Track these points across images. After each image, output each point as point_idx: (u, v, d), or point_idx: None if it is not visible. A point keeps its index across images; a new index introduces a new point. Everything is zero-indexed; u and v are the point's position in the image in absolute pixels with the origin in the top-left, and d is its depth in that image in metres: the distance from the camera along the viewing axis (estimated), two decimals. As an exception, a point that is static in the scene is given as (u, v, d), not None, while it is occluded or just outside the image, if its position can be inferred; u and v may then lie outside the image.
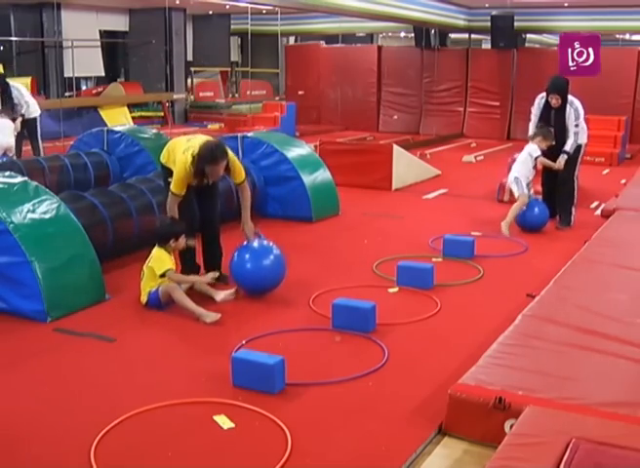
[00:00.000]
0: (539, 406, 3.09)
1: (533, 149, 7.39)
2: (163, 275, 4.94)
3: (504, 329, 4.12)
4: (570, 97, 7.52)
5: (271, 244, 5.33)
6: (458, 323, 4.84)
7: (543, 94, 7.61)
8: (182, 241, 5.10)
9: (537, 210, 7.33)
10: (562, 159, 7.40)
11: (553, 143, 7.38)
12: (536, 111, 7.68)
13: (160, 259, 4.99)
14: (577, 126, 7.43)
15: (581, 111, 7.49)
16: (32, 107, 10.25)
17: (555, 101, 7.43)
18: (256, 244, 5.29)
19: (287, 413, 3.50)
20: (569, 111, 7.45)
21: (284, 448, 3.19)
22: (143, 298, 5.00)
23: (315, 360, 4.21)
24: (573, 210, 7.67)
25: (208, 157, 5.12)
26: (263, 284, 5.25)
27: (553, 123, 7.50)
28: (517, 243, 6.89)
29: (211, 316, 4.72)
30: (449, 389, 3.39)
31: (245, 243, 5.33)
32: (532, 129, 7.72)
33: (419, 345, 4.46)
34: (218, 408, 3.56)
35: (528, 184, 7.34)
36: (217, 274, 5.28)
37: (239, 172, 5.43)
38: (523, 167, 7.35)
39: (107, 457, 3.12)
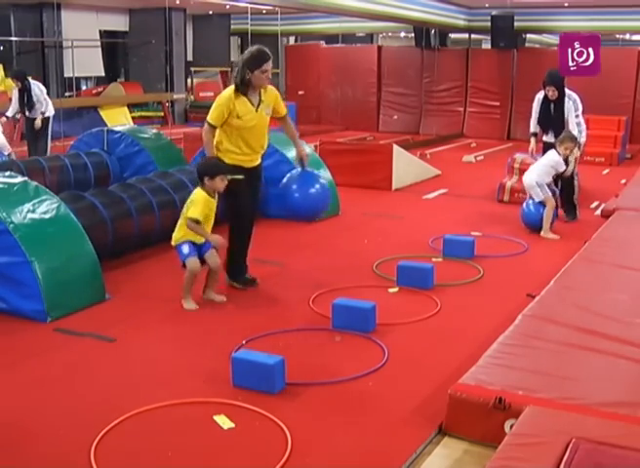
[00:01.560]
0: (539, 406, 3.09)
1: (558, 163, 7.23)
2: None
3: (504, 329, 4.12)
4: (568, 91, 7.71)
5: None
6: (458, 323, 4.84)
7: (540, 93, 7.84)
8: (220, 182, 4.91)
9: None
10: (577, 154, 7.47)
11: (578, 154, 7.40)
12: (536, 107, 7.90)
13: (193, 203, 4.94)
14: (577, 116, 7.59)
15: (580, 104, 7.65)
16: (50, 106, 10.35)
17: (552, 93, 7.63)
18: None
19: (287, 413, 3.50)
20: (568, 104, 7.62)
21: (284, 448, 3.19)
22: (173, 242, 5.08)
23: (315, 360, 4.21)
24: (576, 203, 7.81)
25: (255, 56, 4.97)
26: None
27: (553, 116, 7.66)
28: (517, 243, 6.89)
29: (189, 306, 4.94)
30: (449, 389, 3.39)
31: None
32: (533, 126, 7.95)
33: (419, 345, 4.46)
34: (218, 408, 3.56)
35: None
36: (218, 240, 5.04)
37: (282, 104, 5.40)
38: (544, 175, 7.19)
39: (107, 457, 3.12)
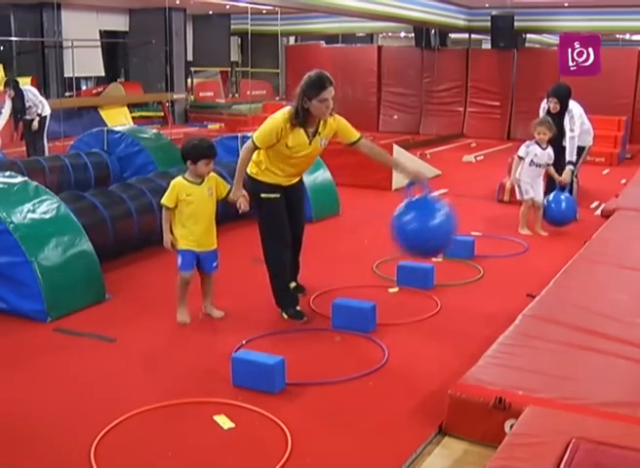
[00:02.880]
0: (539, 406, 3.09)
1: (528, 152, 7.17)
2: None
3: (504, 329, 4.12)
4: (571, 104, 7.57)
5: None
6: (458, 323, 4.84)
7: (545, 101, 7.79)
8: (203, 166, 4.50)
9: (564, 204, 7.22)
10: (568, 171, 7.31)
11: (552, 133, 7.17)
12: (541, 112, 7.81)
13: (169, 188, 4.57)
14: (572, 131, 7.47)
15: (577, 117, 7.52)
16: (46, 106, 10.39)
17: (553, 106, 7.51)
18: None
19: (287, 413, 3.50)
20: (566, 119, 7.49)
21: (284, 448, 3.19)
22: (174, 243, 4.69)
23: (315, 360, 4.21)
24: (576, 205, 7.75)
25: (314, 82, 4.47)
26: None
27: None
28: (517, 243, 6.89)
29: (181, 318, 4.69)
30: (449, 389, 3.39)
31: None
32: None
33: (419, 345, 4.46)
34: (218, 407, 3.56)
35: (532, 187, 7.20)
36: (166, 243, 4.64)
37: (350, 128, 4.84)
38: (524, 171, 7.20)
39: (108, 457, 3.12)
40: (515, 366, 3.60)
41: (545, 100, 7.76)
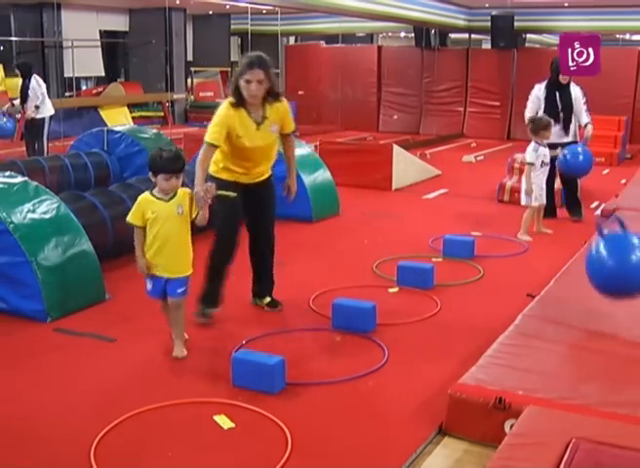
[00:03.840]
0: (539, 406, 3.09)
1: (538, 155, 7.06)
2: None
3: (504, 328, 4.11)
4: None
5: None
6: (458, 323, 4.84)
7: (540, 84, 7.84)
8: (163, 181, 3.97)
9: (581, 157, 7.32)
10: (590, 128, 7.58)
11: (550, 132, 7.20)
12: (534, 97, 7.84)
13: (135, 204, 4.11)
14: (585, 102, 7.73)
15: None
16: (49, 105, 10.31)
17: (564, 78, 7.70)
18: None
19: (287, 413, 3.50)
20: (575, 90, 7.73)
21: (284, 449, 3.19)
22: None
23: (315, 360, 4.21)
24: (580, 200, 7.95)
25: (244, 62, 4.38)
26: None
27: (560, 104, 7.68)
28: (517, 243, 6.89)
29: (180, 352, 4.19)
30: (449, 389, 3.39)
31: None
32: (527, 115, 7.78)
33: (419, 345, 4.46)
34: (218, 408, 3.56)
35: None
36: (142, 267, 4.15)
37: (291, 120, 4.72)
38: (535, 172, 7.07)
39: (107, 457, 3.12)
40: (515, 366, 3.59)
41: (538, 87, 7.82)
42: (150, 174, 4.02)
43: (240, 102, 4.45)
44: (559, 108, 7.67)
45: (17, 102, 10.46)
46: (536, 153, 7.02)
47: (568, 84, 7.75)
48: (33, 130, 10.30)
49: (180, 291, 4.13)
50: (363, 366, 4.06)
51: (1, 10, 15.39)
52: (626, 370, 3.63)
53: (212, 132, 4.42)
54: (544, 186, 7.16)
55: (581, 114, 7.73)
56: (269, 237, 4.91)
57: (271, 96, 4.51)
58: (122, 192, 6.31)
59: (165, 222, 4.01)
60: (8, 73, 14.42)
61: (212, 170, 4.59)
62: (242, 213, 4.70)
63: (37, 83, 10.28)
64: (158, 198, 4.03)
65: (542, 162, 7.06)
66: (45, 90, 10.44)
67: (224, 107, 4.47)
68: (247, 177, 4.64)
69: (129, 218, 4.10)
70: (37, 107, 10.15)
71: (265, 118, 4.53)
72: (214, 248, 4.71)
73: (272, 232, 4.91)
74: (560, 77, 7.70)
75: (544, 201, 7.19)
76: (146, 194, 4.08)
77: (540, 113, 7.60)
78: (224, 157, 4.58)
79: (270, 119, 4.55)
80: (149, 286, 4.19)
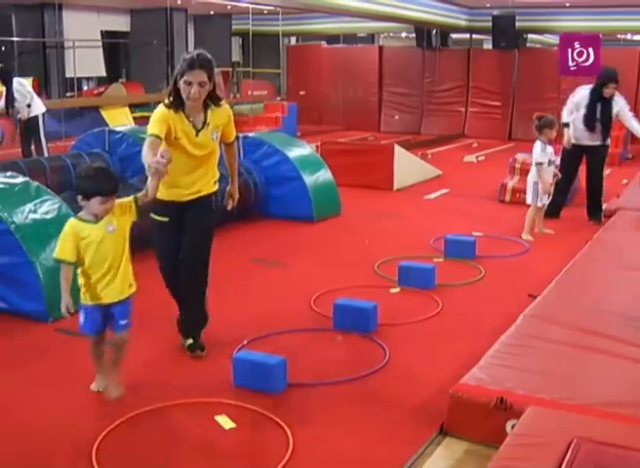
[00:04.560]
0: (540, 406, 3.09)
1: (540, 153, 6.97)
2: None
3: (506, 329, 4.11)
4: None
5: None
6: (459, 323, 4.84)
7: (587, 87, 7.78)
8: (97, 205, 3.48)
9: None
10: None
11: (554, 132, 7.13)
12: (575, 100, 7.78)
13: (61, 235, 3.62)
14: (630, 110, 7.84)
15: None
16: (38, 103, 10.30)
17: (612, 91, 7.71)
18: None
19: (288, 414, 3.50)
20: (618, 100, 7.75)
21: (285, 449, 3.19)
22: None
23: (316, 360, 4.21)
24: (602, 204, 7.89)
25: (186, 61, 3.86)
26: None
27: (599, 115, 7.67)
28: (518, 243, 6.89)
29: (97, 386, 3.77)
30: (450, 389, 3.39)
31: None
32: (566, 116, 7.81)
33: (420, 345, 4.46)
34: (219, 408, 3.56)
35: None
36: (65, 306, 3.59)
37: (233, 128, 4.25)
38: (544, 174, 7.02)
39: (109, 457, 3.12)
40: (517, 366, 3.59)
41: (584, 89, 7.75)
42: (80, 197, 3.49)
43: (179, 105, 3.94)
44: (596, 119, 7.64)
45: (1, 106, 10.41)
46: (543, 152, 6.94)
47: (611, 97, 7.67)
48: (29, 130, 10.28)
49: (123, 322, 3.63)
50: (364, 366, 4.06)
51: (2, 10, 15.39)
52: (628, 371, 3.63)
53: (153, 126, 3.86)
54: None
55: (632, 123, 7.78)
56: (194, 263, 4.16)
57: (212, 99, 4.01)
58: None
59: (99, 246, 3.53)
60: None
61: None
62: (179, 237, 4.11)
63: (19, 83, 10.27)
64: (86, 221, 3.55)
65: (550, 160, 7.01)
66: (30, 88, 10.44)
67: (160, 109, 3.95)
68: (184, 195, 4.06)
69: (57, 255, 3.58)
70: (29, 106, 10.13)
71: (207, 124, 4.02)
72: (162, 274, 4.32)
73: (198, 258, 4.18)
74: (607, 91, 7.63)
75: (546, 201, 7.17)
76: (72, 221, 3.59)
77: (578, 117, 7.66)
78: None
79: (212, 125, 4.04)
80: (82, 318, 3.61)
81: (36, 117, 10.25)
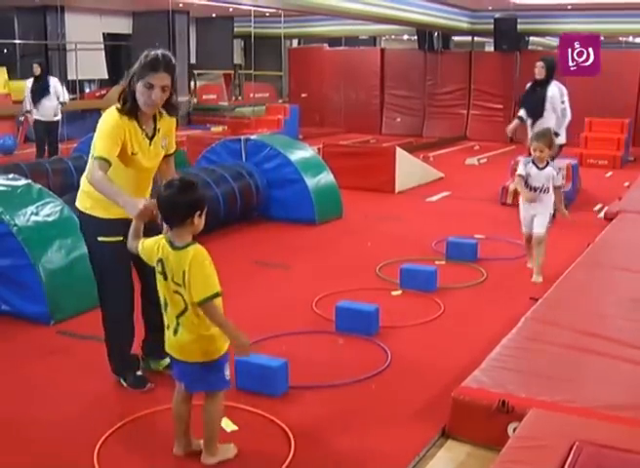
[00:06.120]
0: (542, 409, 3.09)
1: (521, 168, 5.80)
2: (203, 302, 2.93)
3: (508, 331, 4.11)
4: (556, 81, 7.91)
5: None
6: (461, 325, 4.84)
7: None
8: (199, 219, 2.98)
9: None
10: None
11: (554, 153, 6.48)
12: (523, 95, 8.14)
13: (204, 267, 2.91)
14: (563, 102, 7.80)
15: (566, 92, 7.87)
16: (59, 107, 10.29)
17: (538, 70, 7.82)
18: None
19: (290, 416, 3.50)
20: (552, 89, 7.80)
21: (287, 451, 3.19)
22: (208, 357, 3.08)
23: (318, 362, 4.21)
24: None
25: (147, 62, 3.50)
26: None
27: (534, 98, 7.89)
28: (520, 245, 6.88)
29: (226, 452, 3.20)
30: (452, 392, 3.39)
31: None
32: (521, 111, 8.02)
33: (422, 348, 4.46)
34: (221, 410, 3.56)
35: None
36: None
37: (174, 139, 3.85)
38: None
39: (111, 459, 3.13)
40: (518, 369, 3.59)
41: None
42: (198, 213, 2.95)
43: (133, 111, 3.55)
44: (529, 104, 7.93)
45: (28, 105, 10.30)
46: (525, 167, 5.74)
47: (545, 82, 7.88)
48: (50, 132, 10.22)
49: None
50: (366, 368, 4.06)
51: (5, 13, 15.43)
52: (629, 374, 3.62)
53: (103, 145, 3.44)
54: (531, 209, 5.88)
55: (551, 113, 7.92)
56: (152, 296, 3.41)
57: (169, 106, 3.67)
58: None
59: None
60: (11, 76, 14.45)
61: (85, 205, 3.70)
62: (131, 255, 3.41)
63: (57, 82, 10.26)
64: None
65: (527, 183, 5.78)
66: (60, 90, 10.42)
67: (112, 116, 3.54)
68: None
69: (217, 288, 3.01)
70: (62, 104, 10.09)
71: (158, 130, 3.69)
72: (107, 311, 3.95)
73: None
74: (535, 71, 7.91)
75: (530, 230, 5.92)
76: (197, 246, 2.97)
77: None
78: None
79: (162, 132, 3.72)
80: (228, 370, 3.14)
81: (59, 121, 10.22)
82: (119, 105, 3.56)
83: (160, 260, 2.99)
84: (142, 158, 3.62)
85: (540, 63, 7.87)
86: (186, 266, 2.88)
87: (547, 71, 7.82)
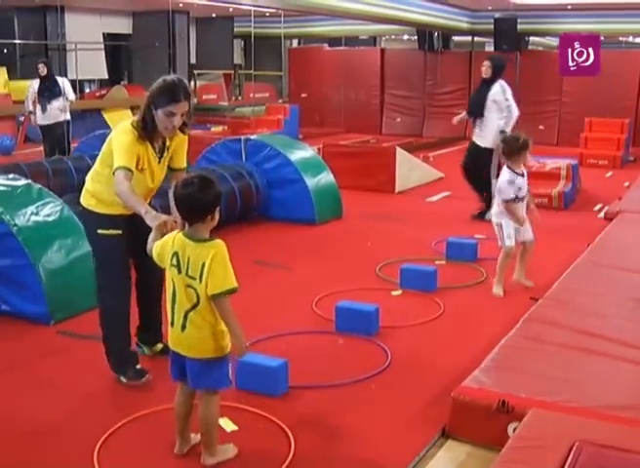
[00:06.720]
0: (542, 409, 3.09)
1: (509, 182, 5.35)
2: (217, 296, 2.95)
3: (508, 331, 4.11)
4: (502, 81, 7.92)
5: None
6: (461, 325, 4.84)
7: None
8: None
9: None
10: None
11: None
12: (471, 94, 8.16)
13: (226, 262, 3.04)
14: (507, 99, 7.90)
15: (510, 91, 7.92)
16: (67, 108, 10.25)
17: (485, 69, 7.84)
18: None
19: (290, 416, 3.50)
20: (495, 87, 7.84)
21: (287, 451, 3.19)
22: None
23: (318, 362, 4.21)
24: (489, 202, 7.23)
25: (162, 89, 3.62)
26: None
27: (477, 97, 8.00)
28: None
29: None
30: (452, 392, 3.39)
31: None
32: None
33: (422, 348, 4.46)
34: (221, 410, 3.54)
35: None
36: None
37: (185, 154, 4.03)
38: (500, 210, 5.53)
39: (111, 459, 3.13)
40: (518, 369, 3.59)
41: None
42: (216, 211, 3.04)
43: (150, 136, 3.71)
44: (471, 100, 8.04)
45: (30, 105, 10.25)
46: (511, 186, 5.34)
47: (490, 81, 7.87)
48: (57, 132, 10.18)
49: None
50: (366, 368, 4.06)
51: (5, 13, 15.43)
52: (629, 373, 3.63)
53: (124, 157, 3.60)
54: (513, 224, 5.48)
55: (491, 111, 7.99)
56: (158, 274, 3.60)
57: (182, 125, 3.79)
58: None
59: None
60: (11, 76, 14.45)
61: (89, 203, 3.87)
62: (129, 249, 3.86)
63: (66, 82, 10.20)
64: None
65: (517, 196, 5.39)
66: (68, 90, 10.36)
67: (128, 135, 3.68)
68: (130, 209, 3.67)
69: (234, 284, 3.04)
70: (71, 101, 10.04)
71: (167, 148, 3.86)
72: (103, 304, 4.03)
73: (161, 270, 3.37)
74: (482, 69, 7.91)
75: (524, 239, 5.62)
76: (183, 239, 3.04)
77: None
78: (107, 187, 3.73)
79: (170, 150, 3.89)
80: (230, 371, 3.18)
81: (68, 121, 10.17)
82: (136, 125, 3.68)
83: (175, 253, 3.01)
84: (149, 176, 3.80)
85: (486, 63, 7.86)
86: (207, 259, 2.94)
87: (494, 70, 7.82)
